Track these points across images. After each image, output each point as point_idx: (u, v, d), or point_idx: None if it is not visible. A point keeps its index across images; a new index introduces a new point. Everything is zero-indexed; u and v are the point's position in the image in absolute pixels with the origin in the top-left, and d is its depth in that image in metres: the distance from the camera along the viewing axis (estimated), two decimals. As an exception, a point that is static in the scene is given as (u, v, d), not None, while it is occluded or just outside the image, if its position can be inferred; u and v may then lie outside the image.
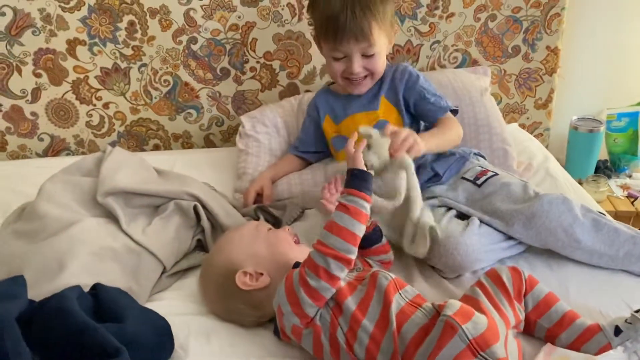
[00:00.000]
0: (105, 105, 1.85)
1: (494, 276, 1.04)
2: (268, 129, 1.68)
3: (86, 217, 1.24)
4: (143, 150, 1.93)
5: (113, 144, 1.90)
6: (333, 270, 0.93)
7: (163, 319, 1.04)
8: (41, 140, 1.89)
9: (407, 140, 1.11)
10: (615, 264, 1.15)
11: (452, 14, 1.79)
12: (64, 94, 1.82)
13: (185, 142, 1.93)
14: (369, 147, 1.09)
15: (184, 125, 1.90)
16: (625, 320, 0.95)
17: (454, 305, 0.90)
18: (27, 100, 1.82)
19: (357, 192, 0.97)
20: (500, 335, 0.88)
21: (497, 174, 1.30)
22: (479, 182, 1.29)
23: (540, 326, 1.01)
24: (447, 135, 1.36)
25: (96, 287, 1.02)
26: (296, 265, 1.08)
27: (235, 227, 1.22)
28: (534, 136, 1.87)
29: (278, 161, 1.61)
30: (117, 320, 0.95)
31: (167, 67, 1.80)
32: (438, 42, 1.82)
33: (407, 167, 1.11)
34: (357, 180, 0.99)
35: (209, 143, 1.94)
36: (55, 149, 1.90)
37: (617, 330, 0.95)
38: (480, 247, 1.15)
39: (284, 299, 0.97)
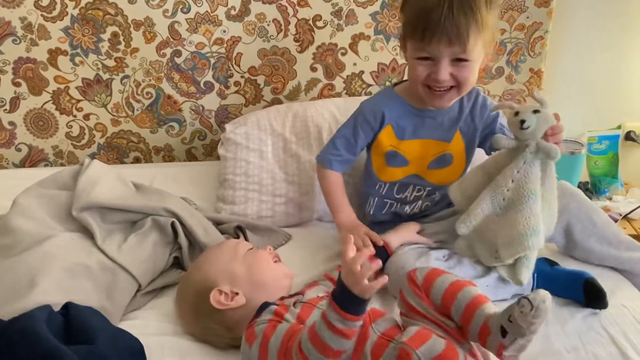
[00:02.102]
0: (86, 117, 1.82)
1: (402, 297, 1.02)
2: (247, 127, 1.61)
3: (60, 232, 1.22)
4: (123, 162, 1.90)
5: (92, 156, 1.87)
6: None
7: (136, 340, 1.02)
8: (19, 150, 1.85)
9: (562, 134, 1.12)
10: None
11: (437, 34, 1.80)
12: (43, 104, 1.79)
13: (167, 155, 1.91)
14: (535, 111, 1.08)
15: (166, 138, 1.88)
16: (508, 319, 0.87)
17: (410, 331, 0.89)
18: (5, 109, 1.78)
19: (349, 316, 0.83)
20: (459, 356, 0.86)
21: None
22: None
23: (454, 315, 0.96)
24: None
25: (67, 307, 0.99)
26: (263, 306, 1.04)
27: (214, 246, 1.21)
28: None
29: (339, 196, 1.36)
30: (88, 341, 0.93)
31: (150, 80, 1.78)
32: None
33: (554, 156, 1.09)
34: (354, 305, 0.84)
35: (190, 157, 1.91)
36: (33, 159, 1.87)
37: (503, 332, 0.88)
38: None
39: None
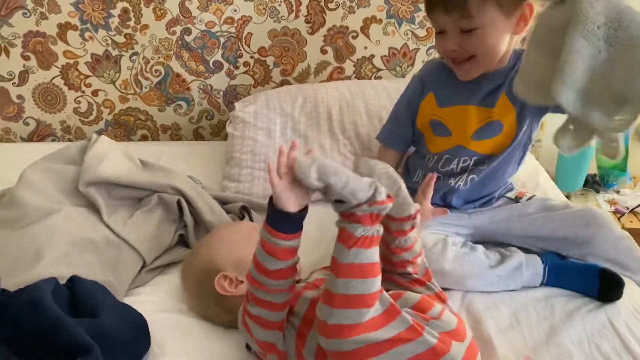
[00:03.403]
0: (94, 93, 1.82)
1: None
2: (256, 106, 1.61)
3: (67, 206, 1.22)
4: (130, 140, 1.90)
5: (100, 133, 1.87)
6: (265, 299, 0.88)
7: (140, 315, 1.02)
8: (27, 124, 1.85)
9: None
10: None
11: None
12: (52, 79, 1.78)
13: (174, 134, 1.90)
14: None
15: (174, 117, 1.87)
16: None
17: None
18: (14, 82, 1.78)
19: (275, 232, 0.84)
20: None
21: (534, 195, 1.31)
22: (521, 201, 1.29)
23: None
24: None
25: (73, 280, 1.00)
26: None
27: (230, 224, 1.20)
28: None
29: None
30: (93, 314, 0.93)
31: (159, 57, 1.77)
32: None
33: None
34: (279, 220, 0.84)
35: (198, 136, 1.91)
36: (40, 134, 1.87)
37: None
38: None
39: (242, 327, 0.94)
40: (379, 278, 0.83)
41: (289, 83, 1.83)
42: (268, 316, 0.89)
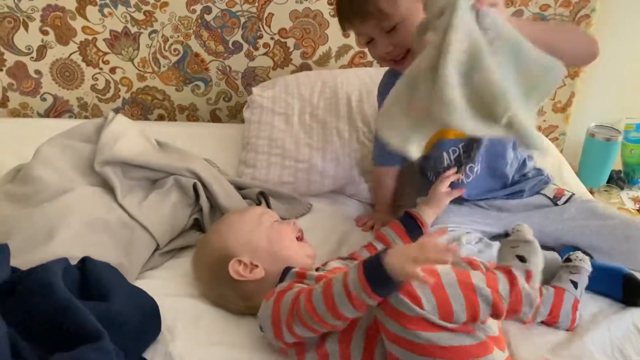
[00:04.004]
0: (112, 70, 1.79)
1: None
2: (274, 91, 1.58)
3: (81, 185, 1.20)
4: (147, 119, 1.88)
5: (117, 111, 1.85)
6: (321, 330, 0.86)
7: (151, 299, 1.00)
8: (44, 100, 1.84)
9: None
10: None
11: (478, 6, 1.72)
12: (70, 55, 1.76)
13: (191, 114, 1.88)
14: None
15: (191, 97, 1.85)
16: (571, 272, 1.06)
17: None
18: (32, 57, 1.76)
19: (374, 295, 0.77)
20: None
21: (573, 194, 1.26)
22: (559, 202, 1.24)
23: None
24: (560, 33, 1.00)
25: (84, 261, 0.98)
26: (286, 271, 1.02)
27: (239, 210, 1.18)
28: (549, 140, 1.81)
29: (377, 193, 1.41)
30: (103, 297, 0.92)
31: (178, 36, 1.74)
32: None
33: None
34: (384, 282, 0.77)
35: (215, 118, 1.89)
36: (57, 110, 1.85)
37: (574, 284, 1.04)
38: None
39: (269, 327, 0.91)
40: None
41: (308, 66, 1.79)
42: (307, 336, 0.87)
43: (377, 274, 0.76)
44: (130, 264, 1.12)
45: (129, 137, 1.30)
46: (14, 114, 1.85)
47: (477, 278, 0.82)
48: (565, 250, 1.16)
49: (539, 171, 1.31)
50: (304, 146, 1.47)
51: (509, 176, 1.26)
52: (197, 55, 1.77)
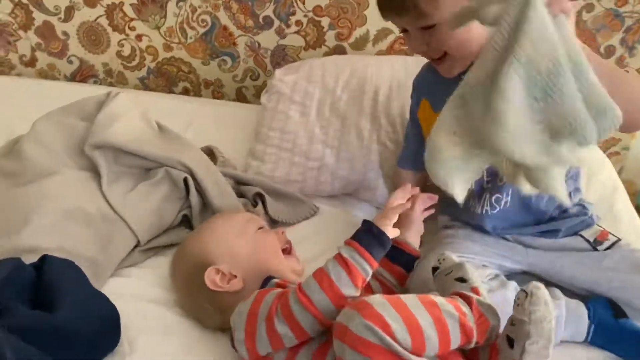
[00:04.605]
0: (138, 37, 1.71)
1: None
2: (297, 76, 1.43)
3: (68, 169, 1.13)
4: (172, 92, 1.79)
5: (142, 80, 1.78)
6: (307, 328, 0.78)
7: (112, 306, 0.93)
8: (70, 62, 1.78)
9: None
10: None
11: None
12: (97, 18, 1.69)
13: (216, 90, 1.78)
14: None
15: (217, 72, 1.74)
16: (511, 323, 0.78)
17: None
18: (60, 18, 1.70)
19: (368, 255, 0.83)
20: None
21: (619, 239, 1.06)
22: (599, 247, 1.05)
23: None
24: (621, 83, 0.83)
25: (44, 259, 0.91)
26: (267, 280, 0.94)
27: (226, 213, 1.09)
28: (607, 155, 1.58)
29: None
30: (54, 303, 0.85)
31: (206, 6, 1.62)
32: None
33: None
34: (373, 241, 0.86)
35: (240, 96, 1.78)
36: (83, 74, 1.80)
37: (510, 341, 0.76)
38: None
39: (241, 324, 0.83)
40: None
41: (343, 49, 1.64)
42: (287, 341, 0.80)
43: (372, 237, 0.85)
44: (106, 260, 1.05)
45: (126, 119, 1.22)
46: (42, 74, 1.81)
47: (437, 297, 0.77)
48: (595, 302, 0.99)
49: (583, 209, 1.10)
50: (317, 143, 1.34)
51: (545, 212, 1.08)
52: (225, 28, 1.65)
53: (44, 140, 1.17)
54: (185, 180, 1.14)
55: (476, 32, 0.91)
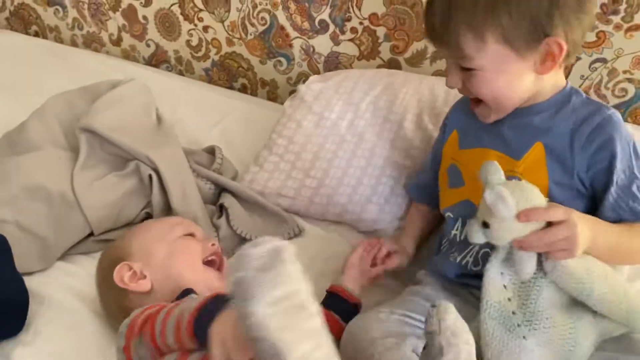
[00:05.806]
0: (205, 29, 1.71)
1: None
2: (325, 85, 1.31)
3: (56, 147, 1.15)
4: (232, 87, 1.77)
5: (207, 72, 1.79)
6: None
7: (24, 293, 0.92)
8: (148, 46, 1.85)
9: (558, 241, 0.71)
10: None
11: (638, 27, 1.19)
12: (171, 6, 1.73)
13: (271, 91, 1.72)
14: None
15: (273, 73, 1.68)
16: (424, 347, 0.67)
17: None
18: (141, 2, 1.77)
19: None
20: None
21: None
22: None
23: None
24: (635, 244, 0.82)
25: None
26: (186, 292, 0.86)
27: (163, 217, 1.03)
28: None
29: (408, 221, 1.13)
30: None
31: (266, 4, 1.57)
32: (604, 60, 1.25)
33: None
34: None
35: (292, 100, 1.70)
36: (158, 58, 1.86)
37: None
38: None
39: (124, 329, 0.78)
40: None
41: (398, 64, 1.47)
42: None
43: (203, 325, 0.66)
44: (57, 242, 1.05)
45: (125, 105, 1.21)
46: (124, 54, 1.91)
47: None
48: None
49: None
50: (322, 160, 1.21)
51: None
52: (282, 28, 1.58)
53: (46, 116, 1.21)
54: (150, 177, 1.09)
55: (522, 84, 0.86)
